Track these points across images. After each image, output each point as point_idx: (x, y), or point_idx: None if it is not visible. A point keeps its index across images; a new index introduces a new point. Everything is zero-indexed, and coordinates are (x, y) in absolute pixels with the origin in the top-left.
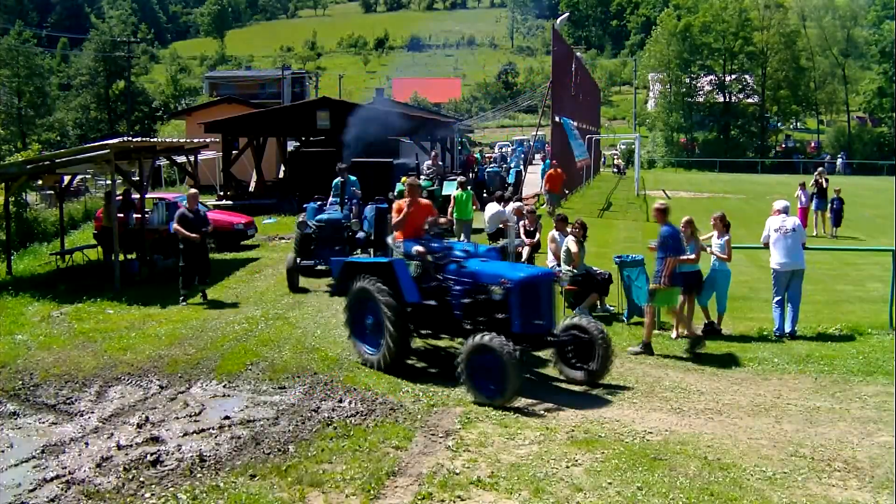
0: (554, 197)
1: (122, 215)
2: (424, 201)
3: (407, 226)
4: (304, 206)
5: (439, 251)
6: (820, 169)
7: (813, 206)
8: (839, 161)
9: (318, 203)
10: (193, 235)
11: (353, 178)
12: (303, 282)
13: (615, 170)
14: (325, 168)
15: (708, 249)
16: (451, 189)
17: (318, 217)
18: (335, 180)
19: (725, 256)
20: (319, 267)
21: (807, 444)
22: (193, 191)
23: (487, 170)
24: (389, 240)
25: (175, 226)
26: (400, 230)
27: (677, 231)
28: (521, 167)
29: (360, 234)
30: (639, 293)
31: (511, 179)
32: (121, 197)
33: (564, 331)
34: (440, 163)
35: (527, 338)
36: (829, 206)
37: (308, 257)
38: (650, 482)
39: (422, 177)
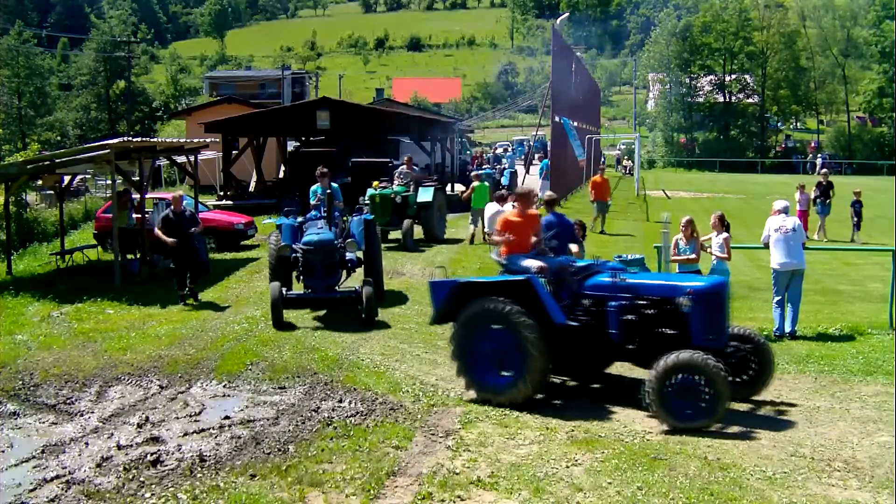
0: (602, 206)
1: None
2: (533, 212)
3: (515, 241)
4: (277, 222)
5: (569, 264)
6: (824, 171)
7: (816, 210)
8: (819, 160)
9: (298, 221)
10: (170, 241)
11: (334, 185)
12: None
13: (625, 171)
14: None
15: (707, 249)
16: (426, 196)
17: (306, 239)
18: (313, 187)
19: (725, 256)
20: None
21: (807, 444)
22: (178, 193)
23: (477, 173)
24: (494, 256)
25: (156, 230)
26: (510, 246)
27: (555, 219)
28: (516, 168)
29: (350, 255)
30: None
31: (505, 181)
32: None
33: None
34: (415, 167)
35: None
36: (830, 208)
37: (290, 286)
38: (650, 482)
39: (395, 182)
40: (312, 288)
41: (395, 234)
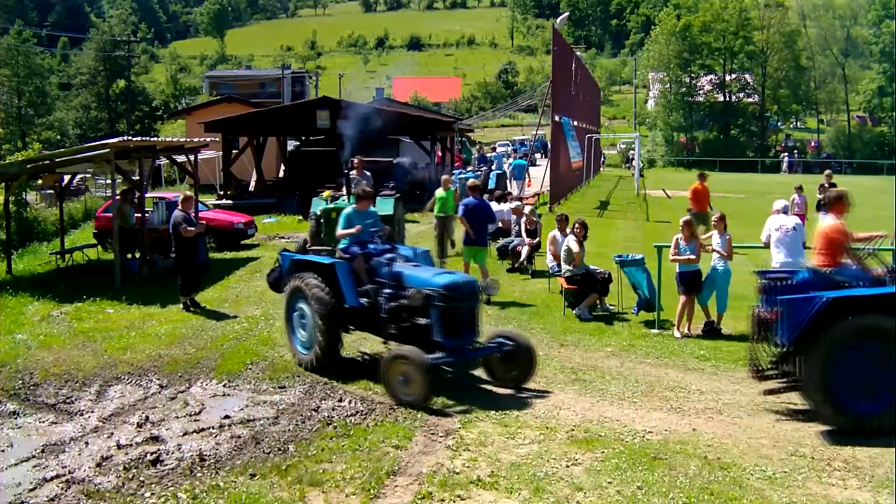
0: (700, 217)
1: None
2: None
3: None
4: (300, 257)
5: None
6: (827, 171)
7: (820, 217)
8: (785, 160)
9: (356, 249)
10: (198, 225)
11: (373, 209)
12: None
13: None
14: (325, 167)
15: (709, 248)
16: (386, 208)
17: (445, 281)
18: (347, 211)
19: (726, 253)
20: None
21: (807, 443)
22: (189, 194)
23: (460, 176)
24: (808, 264)
25: (187, 228)
26: (835, 259)
27: (474, 202)
28: (505, 170)
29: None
30: (644, 288)
31: (492, 185)
32: (119, 197)
33: None
34: (366, 172)
35: None
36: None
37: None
38: (650, 481)
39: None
40: (453, 348)
41: None
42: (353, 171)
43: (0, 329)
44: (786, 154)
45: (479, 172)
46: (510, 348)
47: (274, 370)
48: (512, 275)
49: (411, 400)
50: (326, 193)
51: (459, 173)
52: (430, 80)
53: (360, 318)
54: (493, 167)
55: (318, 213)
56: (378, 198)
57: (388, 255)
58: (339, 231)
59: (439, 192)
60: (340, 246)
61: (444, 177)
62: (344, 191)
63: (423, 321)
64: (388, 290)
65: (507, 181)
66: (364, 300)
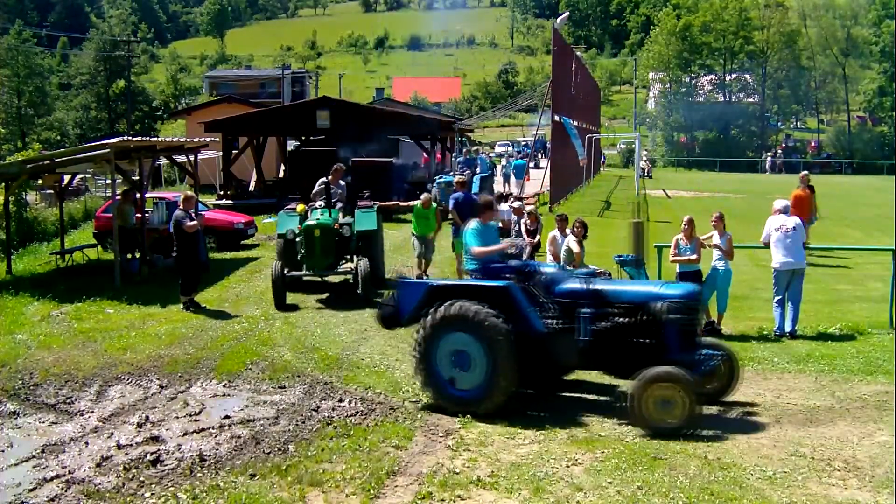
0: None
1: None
2: None
3: None
4: (500, 286)
5: None
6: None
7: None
8: (767, 160)
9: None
10: (199, 217)
11: (493, 223)
12: None
13: (642, 173)
14: (324, 167)
15: (709, 245)
16: (369, 222)
17: (682, 290)
18: (475, 226)
19: (726, 249)
20: None
21: (807, 443)
22: (189, 193)
23: (438, 181)
24: None
25: (188, 223)
26: None
27: (463, 196)
28: (490, 172)
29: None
30: None
31: (475, 189)
32: (119, 197)
33: None
34: (342, 182)
35: None
36: (815, 217)
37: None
38: (650, 481)
39: (318, 203)
40: (690, 364)
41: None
42: (328, 179)
43: (0, 329)
44: (769, 154)
45: (460, 175)
46: (720, 360)
47: (274, 370)
48: None
49: (675, 425)
50: (300, 208)
51: (440, 178)
52: (430, 80)
53: (534, 348)
54: (478, 170)
55: (297, 231)
56: (357, 211)
57: (585, 272)
58: (479, 249)
59: (418, 206)
60: (470, 267)
61: (425, 195)
62: (320, 203)
63: (646, 340)
64: (587, 311)
65: (493, 184)
66: None
